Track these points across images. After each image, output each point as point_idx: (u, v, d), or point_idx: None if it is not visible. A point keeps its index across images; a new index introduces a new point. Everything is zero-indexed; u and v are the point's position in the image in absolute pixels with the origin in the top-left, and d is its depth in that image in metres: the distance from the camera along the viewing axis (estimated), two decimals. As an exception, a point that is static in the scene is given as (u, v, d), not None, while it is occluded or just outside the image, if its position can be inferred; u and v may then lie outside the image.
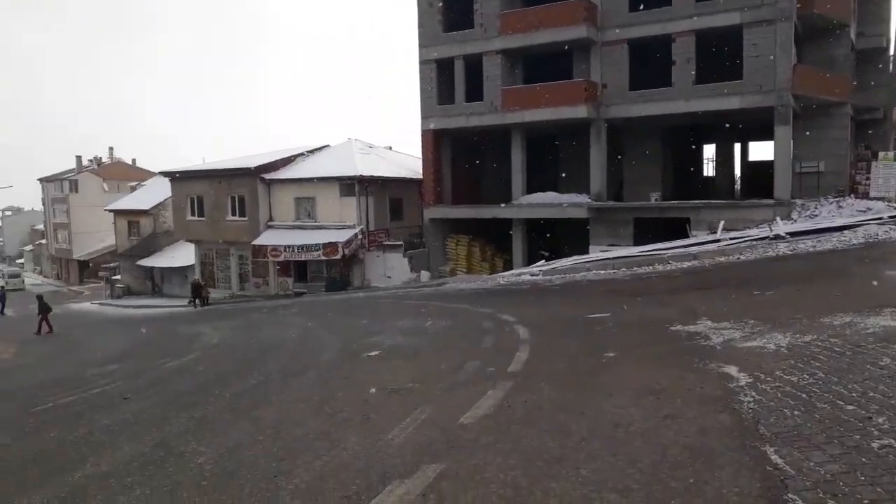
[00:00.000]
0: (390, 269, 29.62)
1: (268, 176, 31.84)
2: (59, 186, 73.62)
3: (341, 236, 29.25)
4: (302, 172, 31.94)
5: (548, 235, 27.86)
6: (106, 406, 8.48)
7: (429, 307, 17.74)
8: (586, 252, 24.56)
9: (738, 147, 31.47)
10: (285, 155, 33.68)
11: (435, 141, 28.63)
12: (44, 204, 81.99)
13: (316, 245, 29.40)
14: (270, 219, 32.10)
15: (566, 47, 25.28)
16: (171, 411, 7.75)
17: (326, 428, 6.26)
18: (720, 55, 23.95)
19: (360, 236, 29.67)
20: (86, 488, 5.09)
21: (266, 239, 31.07)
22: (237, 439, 6.21)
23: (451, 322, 14.04)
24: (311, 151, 34.68)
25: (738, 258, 18.45)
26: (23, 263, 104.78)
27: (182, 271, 41.41)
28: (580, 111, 24.46)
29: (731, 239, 20.88)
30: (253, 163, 32.47)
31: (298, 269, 31.74)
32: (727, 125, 27.45)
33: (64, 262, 73.03)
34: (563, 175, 28.91)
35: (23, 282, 67.76)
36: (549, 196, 26.86)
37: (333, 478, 4.86)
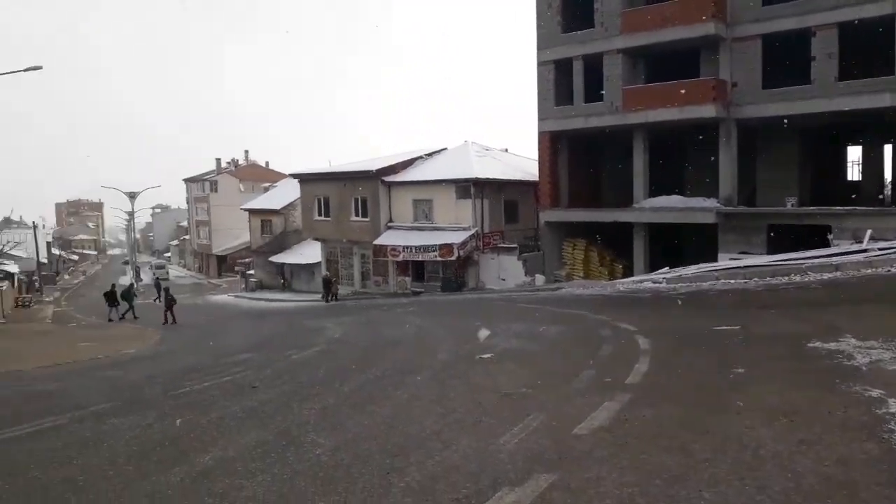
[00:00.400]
0: (504, 272, 29.54)
1: (388, 178, 32.75)
2: (201, 187, 79.78)
3: (456, 238, 29.54)
4: (420, 175, 32.57)
5: (673, 242, 26.66)
6: (236, 393, 9.01)
7: (543, 311, 17.50)
8: (714, 260, 23.24)
9: (888, 149, 28.60)
10: (405, 158, 34.50)
11: (552, 142, 28.23)
12: (188, 203, 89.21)
13: (432, 246, 29.87)
14: (390, 219, 33.01)
15: (692, 45, 24.08)
16: (293, 402, 8.10)
17: (439, 428, 6.29)
18: (867, 49, 21.84)
19: (474, 238, 29.83)
20: (214, 471, 5.41)
21: (386, 239, 31.98)
22: (354, 433, 6.38)
23: (567, 328, 13.75)
24: (429, 154, 35.28)
25: (889, 271, 16.77)
26: (169, 257, 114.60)
27: (309, 268, 43.53)
28: (708, 111, 23.20)
29: (879, 249, 18.99)
30: (374, 166, 33.51)
31: (416, 269, 32.40)
32: (876, 125, 25.00)
33: (204, 256, 79.02)
34: (689, 178, 27.56)
35: (167, 273, 74.40)
36: (674, 200, 25.68)
37: (445, 479, 4.85)
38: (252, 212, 53.84)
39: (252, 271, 51.92)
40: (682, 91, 23.78)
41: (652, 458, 4.87)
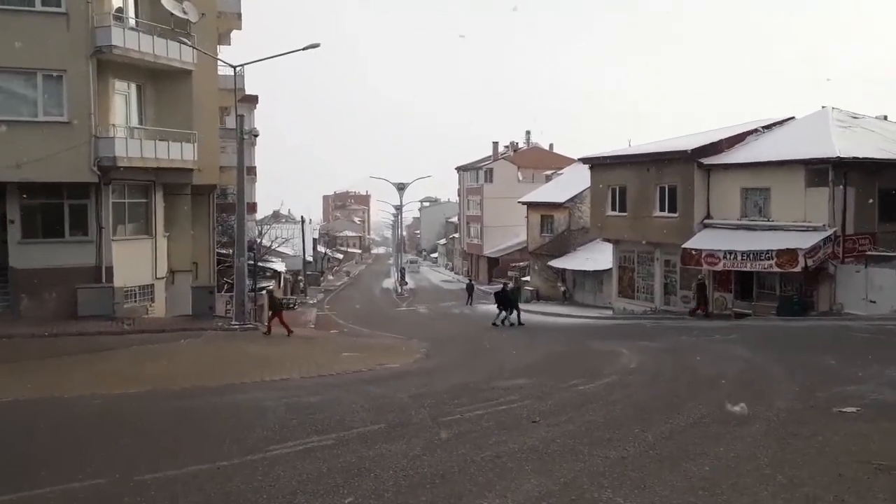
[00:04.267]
0: (875, 291, 26.46)
1: (707, 160, 31.46)
2: (474, 176, 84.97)
3: (803, 241, 27.22)
4: (753, 155, 30.75)
5: None
6: (513, 427, 9.36)
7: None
8: None
9: None
10: (733, 133, 32.89)
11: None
12: (459, 195, 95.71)
13: (767, 252, 27.93)
14: (707, 215, 31.68)
15: None
16: (582, 445, 8.16)
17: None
18: None
19: (830, 242, 27.20)
20: (492, 521, 5.65)
21: (701, 241, 30.75)
22: (662, 496, 6.21)
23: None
24: (768, 127, 33.16)
25: None
26: (436, 258, 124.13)
27: (597, 276, 43.88)
28: None
29: None
30: (689, 144, 32.47)
31: (741, 283, 30.65)
32: None
33: (474, 258, 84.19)
34: None
35: (418, 269, 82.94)
36: None
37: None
38: (531, 205, 55.93)
39: (528, 278, 53.89)
40: None
41: None
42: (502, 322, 30.70)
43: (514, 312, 31.00)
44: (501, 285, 33.36)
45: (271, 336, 24.05)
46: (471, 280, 61.33)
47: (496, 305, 32.07)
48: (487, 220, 78.96)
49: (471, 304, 50.60)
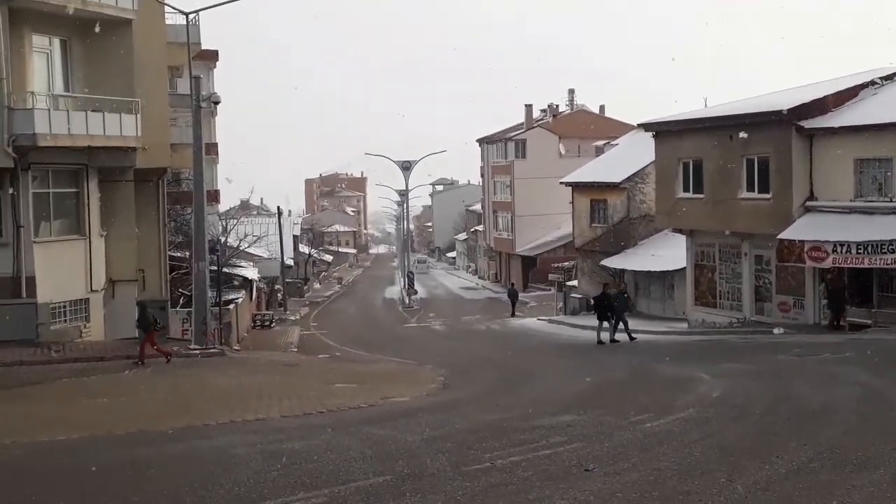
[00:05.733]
0: None
1: (809, 123, 31.18)
2: (502, 149, 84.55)
3: (939, 228, 27.10)
4: (869, 115, 30.40)
5: None
6: (560, 477, 9.34)
7: None
8: None
9: None
10: (840, 87, 32.56)
11: None
12: (482, 175, 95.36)
13: (890, 243, 27.71)
14: (811, 196, 31.44)
15: None
16: (651, 500, 8.17)
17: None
18: None
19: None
20: None
21: (803, 230, 30.53)
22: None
23: None
24: (888, 77, 32.77)
25: None
26: (454, 258, 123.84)
27: (665, 278, 43.57)
28: None
29: None
30: (785, 102, 32.16)
31: (859, 285, 30.41)
32: None
33: (504, 256, 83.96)
34: None
35: (427, 269, 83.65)
36: None
37: None
38: (577, 187, 55.76)
39: (575, 282, 53.73)
40: None
41: None
42: (611, 340, 30.89)
43: (620, 324, 31.29)
44: (602, 288, 32.82)
45: (146, 366, 22.98)
46: (513, 284, 63.14)
47: (597, 316, 31.93)
48: (520, 208, 78.50)
49: (514, 314, 53.76)
